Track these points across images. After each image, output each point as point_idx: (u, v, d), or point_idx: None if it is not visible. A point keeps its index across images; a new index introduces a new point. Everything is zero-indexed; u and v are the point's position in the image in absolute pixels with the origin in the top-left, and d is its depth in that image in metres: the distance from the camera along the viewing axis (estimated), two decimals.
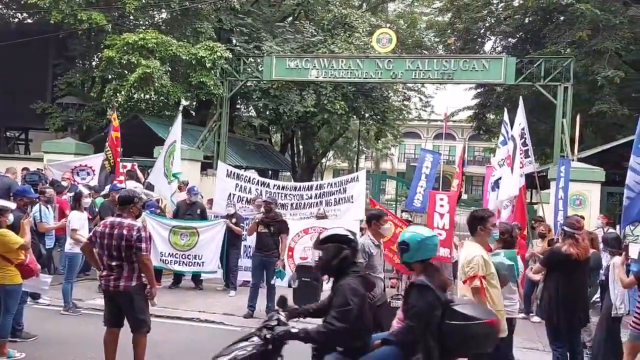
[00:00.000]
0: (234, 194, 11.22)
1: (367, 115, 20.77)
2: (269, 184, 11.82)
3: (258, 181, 11.69)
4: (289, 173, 26.59)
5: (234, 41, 17.13)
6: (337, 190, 11.34)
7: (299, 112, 17.25)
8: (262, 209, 8.69)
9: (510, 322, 5.03)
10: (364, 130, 25.25)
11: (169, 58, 14.40)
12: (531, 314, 8.79)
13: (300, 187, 11.83)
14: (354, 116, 20.78)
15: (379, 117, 20.79)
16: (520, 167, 9.32)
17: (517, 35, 20.03)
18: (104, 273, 5.07)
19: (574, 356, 5.66)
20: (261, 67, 15.29)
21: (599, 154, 13.62)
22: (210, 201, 11.54)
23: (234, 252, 9.86)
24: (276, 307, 3.76)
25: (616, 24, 14.85)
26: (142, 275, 5.09)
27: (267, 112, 18.40)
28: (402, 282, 9.71)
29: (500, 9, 19.13)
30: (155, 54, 14.06)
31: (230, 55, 15.05)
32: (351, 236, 3.70)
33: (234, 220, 9.79)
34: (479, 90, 22.05)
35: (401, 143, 39.62)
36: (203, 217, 10.22)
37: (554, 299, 5.53)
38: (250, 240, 9.35)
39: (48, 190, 8.85)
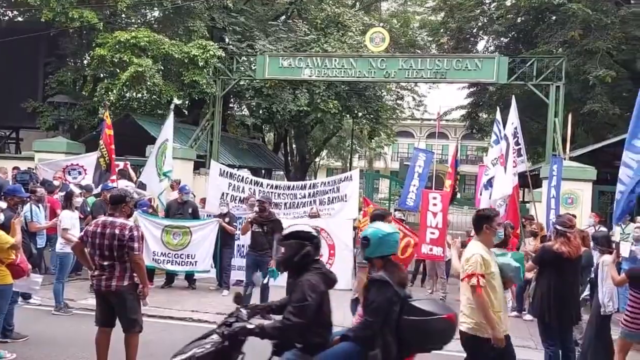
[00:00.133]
0: (227, 193, 11.19)
1: (360, 114, 20.77)
2: (262, 183, 11.81)
3: (251, 180, 11.67)
4: (282, 172, 26.56)
5: (227, 40, 17.08)
6: (330, 190, 11.34)
7: (292, 111, 17.22)
8: (256, 208, 8.67)
9: None
10: (358, 130, 25.24)
11: (161, 56, 14.35)
12: (523, 312, 8.83)
13: (293, 187, 11.83)
14: (347, 115, 20.78)
15: (372, 116, 20.80)
16: (514, 167, 9.36)
17: (510, 35, 20.10)
18: (96, 273, 5.04)
19: (566, 354, 5.69)
20: (254, 65, 15.26)
21: (591, 153, 13.70)
22: (203, 200, 11.51)
23: (227, 251, 9.83)
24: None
25: (607, 23, 14.93)
26: (134, 274, 5.06)
27: (260, 111, 18.37)
28: None
29: (493, 9, 19.19)
30: (147, 52, 14.00)
31: (223, 54, 15.01)
32: (314, 233, 3.76)
33: (227, 219, 9.77)
34: (471, 89, 22.10)
35: (394, 142, 39.62)
36: (195, 216, 10.18)
37: (546, 297, 5.56)
38: (244, 240, 9.33)
39: (39, 190, 8.79)
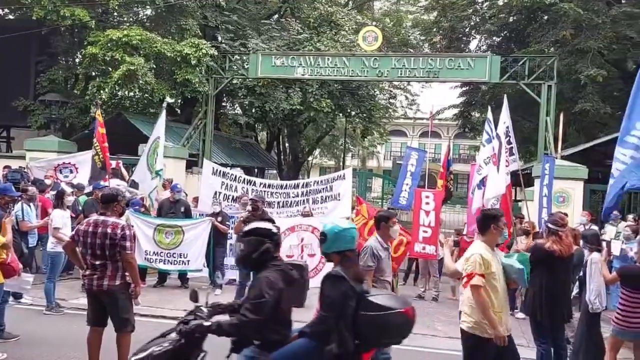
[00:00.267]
0: (219, 192, 11.16)
1: (353, 113, 20.80)
2: (255, 182, 11.78)
3: (244, 179, 11.65)
4: (275, 171, 26.53)
5: (220, 38, 17.04)
6: (323, 188, 11.34)
7: (285, 110, 17.21)
8: (249, 207, 8.66)
9: None
10: (351, 128, 25.27)
11: (154, 55, 14.29)
12: (516, 310, 8.87)
13: (286, 185, 11.82)
14: (340, 114, 20.79)
15: (365, 115, 20.83)
16: (506, 166, 9.38)
17: (502, 34, 20.17)
18: (88, 272, 5.01)
19: (558, 352, 5.72)
20: (247, 64, 15.24)
21: (582, 151, 13.79)
22: (196, 199, 11.48)
23: (220, 250, 9.81)
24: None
25: (599, 23, 15.02)
26: (126, 274, 5.04)
27: (253, 110, 18.34)
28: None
29: (485, 8, 19.24)
30: (139, 51, 13.94)
31: (216, 53, 14.97)
32: (274, 230, 3.75)
33: (219, 218, 9.74)
34: (464, 88, 22.16)
35: (387, 141, 39.67)
36: (187, 215, 10.15)
37: (537, 295, 5.58)
38: (237, 239, 9.31)
39: (30, 189, 8.73)
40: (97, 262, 4.94)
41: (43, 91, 16.36)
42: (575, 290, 8.01)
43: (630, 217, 10.50)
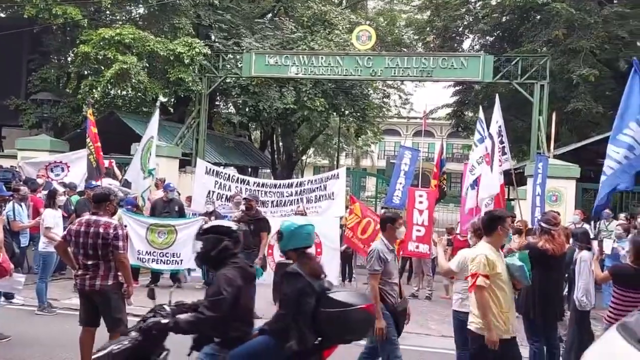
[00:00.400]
0: (213, 192, 11.14)
1: (347, 112, 20.79)
2: (248, 181, 11.77)
3: (237, 178, 11.63)
4: (268, 170, 26.50)
5: (213, 37, 16.99)
6: (317, 188, 11.34)
7: (278, 109, 17.19)
8: (242, 207, 8.64)
9: None
10: (344, 128, 25.25)
11: (147, 54, 14.22)
12: None
13: (280, 185, 11.81)
14: (334, 113, 20.78)
15: (359, 114, 20.83)
16: (499, 165, 9.41)
17: (495, 34, 20.23)
18: (80, 272, 4.99)
19: (551, 350, 5.74)
20: (240, 63, 15.20)
21: (574, 151, 13.86)
22: (189, 199, 11.45)
23: None
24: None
25: (591, 23, 15.09)
26: (119, 274, 5.01)
27: (247, 109, 18.31)
28: None
29: (478, 7, 19.30)
30: (132, 49, 13.87)
31: (209, 52, 14.91)
32: (233, 228, 3.79)
33: (212, 218, 9.70)
34: (457, 88, 22.21)
35: (381, 140, 39.68)
36: (181, 214, 10.12)
37: (530, 294, 5.60)
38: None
39: (22, 188, 8.69)
40: (90, 262, 4.92)
41: (35, 90, 16.25)
42: (566, 289, 8.07)
43: (622, 215, 10.58)
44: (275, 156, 25.50)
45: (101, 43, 13.57)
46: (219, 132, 21.72)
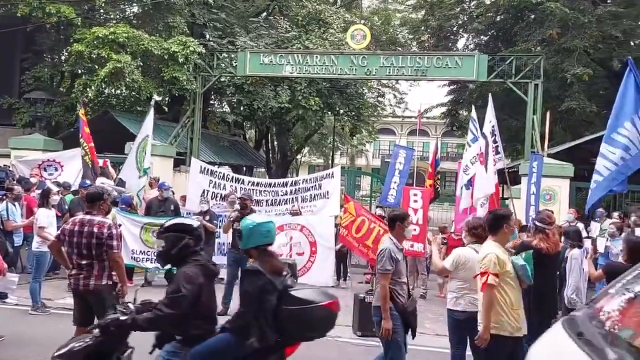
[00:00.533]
0: (207, 191, 11.12)
1: (341, 111, 20.81)
2: (243, 180, 11.75)
3: (232, 177, 11.62)
4: (263, 169, 26.48)
5: (207, 36, 16.96)
6: (312, 187, 11.34)
7: (273, 108, 17.17)
8: (237, 206, 8.63)
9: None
10: (339, 127, 25.27)
11: (141, 53, 14.17)
12: None
13: (275, 184, 11.80)
14: (329, 112, 20.78)
15: (353, 113, 20.84)
16: (494, 164, 9.43)
17: (489, 33, 20.29)
18: (74, 272, 4.96)
19: None
20: (235, 62, 15.17)
21: (568, 150, 13.91)
22: (184, 198, 11.42)
23: (208, 249, 9.74)
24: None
25: (585, 22, 15.16)
26: (113, 273, 5.00)
27: (241, 108, 18.29)
28: (376, 277, 9.77)
29: (473, 7, 19.34)
30: (126, 48, 13.82)
31: (204, 51, 14.89)
32: (195, 225, 3.81)
33: (207, 217, 9.69)
34: (452, 87, 22.26)
35: (376, 139, 39.74)
36: (176, 213, 10.09)
37: (525, 292, 5.61)
38: (224, 238, 9.29)
39: (16, 188, 8.64)
40: (84, 262, 4.89)
41: (28, 89, 16.18)
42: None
43: (615, 214, 10.62)
44: (270, 155, 25.48)
45: (95, 42, 13.52)
46: (214, 131, 21.67)
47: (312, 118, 18.84)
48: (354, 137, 29.69)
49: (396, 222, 5.21)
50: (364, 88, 21.78)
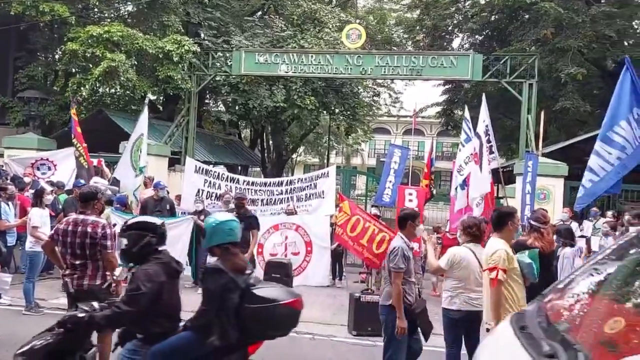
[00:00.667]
0: (202, 190, 11.10)
1: (337, 110, 20.82)
2: (238, 179, 11.74)
3: (227, 177, 11.59)
4: (258, 169, 26.44)
5: (202, 35, 16.91)
6: (307, 186, 11.34)
7: (268, 107, 17.15)
8: (232, 205, 8.62)
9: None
10: (335, 126, 25.30)
11: (135, 51, 14.13)
12: None
13: (270, 183, 11.80)
14: (324, 111, 20.79)
15: (349, 112, 20.85)
16: (488, 164, 9.45)
17: (484, 33, 20.34)
18: (67, 272, 4.94)
19: None
20: (230, 61, 15.14)
21: (562, 149, 13.96)
22: (179, 197, 11.39)
23: (203, 249, 9.73)
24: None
25: (579, 22, 15.22)
26: (107, 273, 4.98)
27: (236, 107, 18.25)
28: (372, 276, 9.78)
29: (468, 7, 19.40)
30: (120, 47, 13.77)
31: (199, 50, 14.86)
32: (157, 223, 3.81)
33: (202, 216, 9.65)
34: (447, 86, 22.32)
35: (371, 139, 39.72)
36: (172, 212, 10.06)
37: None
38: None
39: (10, 187, 8.60)
40: (77, 262, 4.87)
41: (22, 88, 16.10)
42: None
43: (609, 213, 10.67)
44: (265, 154, 25.46)
45: (89, 40, 13.47)
46: (209, 131, 21.64)
47: (307, 117, 18.84)
48: (350, 137, 29.70)
49: (407, 220, 5.20)
50: (359, 87, 21.80)
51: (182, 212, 10.52)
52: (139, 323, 3.51)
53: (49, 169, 11.62)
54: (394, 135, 49.66)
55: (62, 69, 15.59)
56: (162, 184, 10.31)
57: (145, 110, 11.31)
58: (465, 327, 5.15)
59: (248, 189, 11.21)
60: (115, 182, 10.85)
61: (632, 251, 2.55)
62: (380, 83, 24.22)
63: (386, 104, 27.63)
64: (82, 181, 9.77)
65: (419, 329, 5.23)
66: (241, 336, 3.47)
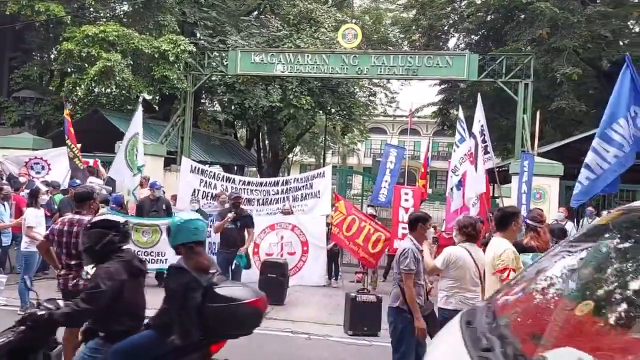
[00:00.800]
0: (198, 190, 11.09)
1: (333, 110, 20.82)
2: (234, 179, 11.73)
3: (223, 177, 11.59)
4: (254, 168, 26.43)
5: (198, 35, 16.90)
6: (303, 186, 11.34)
7: (264, 107, 17.15)
8: (227, 205, 8.62)
9: None
10: (331, 126, 25.30)
11: (131, 51, 14.09)
12: None
13: (266, 183, 11.79)
14: (320, 111, 20.79)
15: (345, 112, 20.85)
16: (483, 164, 9.46)
17: (480, 33, 20.39)
18: (63, 272, 4.92)
19: None
20: (226, 61, 15.13)
21: (558, 149, 14.00)
22: (174, 197, 11.37)
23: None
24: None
25: (574, 22, 15.27)
26: None
27: (232, 107, 18.25)
28: (367, 276, 9.80)
29: (464, 6, 19.44)
30: (116, 47, 13.73)
31: (194, 49, 14.83)
32: (120, 222, 3.82)
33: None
34: (442, 86, 22.36)
35: (367, 138, 39.76)
36: (169, 212, 10.04)
37: None
38: (214, 237, 9.27)
39: (5, 187, 8.57)
40: (73, 262, 4.86)
41: (17, 88, 16.03)
42: None
43: (604, 213, 10.69)
44: (261, 154, 25.44)
45: (85, 40, 13.42)
46: (205, 130, 21.60)
47: (303, 117, 18.84)
48: (346, 136, 29.75)
49: (418, 223, 5.19)
50: (355, 87, 21.81)
51: (178, 212, 10.49)
52: (101, 321, 3.51)
53: (43, 168, 11.56)
54: (390, 135, 49.71)
55: (58, 69, 15.54)
56: (158, 184, 10.29)
57: (140, 108, 11.28)
58: None
59: (244, 188, 11.21)
60: (110, 181, 10.82)
61: (580, 247, 2.56)
62: (376, 83, 24.24)
63: (382, 104, 27.66)
64: (78, 181, 9.73)
65: None
66: (203, 335, 3.47)
